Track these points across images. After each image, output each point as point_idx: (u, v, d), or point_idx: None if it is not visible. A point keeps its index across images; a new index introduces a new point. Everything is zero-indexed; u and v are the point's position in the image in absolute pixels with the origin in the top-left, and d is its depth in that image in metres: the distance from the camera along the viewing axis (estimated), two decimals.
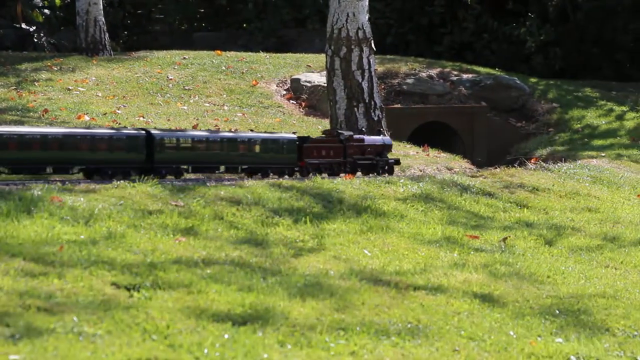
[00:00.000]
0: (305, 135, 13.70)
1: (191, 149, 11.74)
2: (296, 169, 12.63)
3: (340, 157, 13.23)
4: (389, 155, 13.79)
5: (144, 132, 11.48)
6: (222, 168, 12.17)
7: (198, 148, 11.82)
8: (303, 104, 22.75)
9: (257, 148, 12.30)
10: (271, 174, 12.31)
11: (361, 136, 13.79)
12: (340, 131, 14.02)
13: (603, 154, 19.29)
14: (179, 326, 6.39)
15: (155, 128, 12.46)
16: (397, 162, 14.04)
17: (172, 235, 8.52)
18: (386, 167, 13.63)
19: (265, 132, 14.51)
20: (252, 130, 14.76)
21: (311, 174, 12.49)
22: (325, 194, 10.81)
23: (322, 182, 11.43)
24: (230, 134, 12.65)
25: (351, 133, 13.80)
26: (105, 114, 17.98)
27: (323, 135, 13.77)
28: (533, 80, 27.71)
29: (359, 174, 13.15)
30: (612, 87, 28.71)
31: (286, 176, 12.36)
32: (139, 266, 7.44)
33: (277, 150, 12.47)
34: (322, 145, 13.19)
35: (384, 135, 14.97)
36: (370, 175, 13.10)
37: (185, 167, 11.78)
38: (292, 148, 12.57)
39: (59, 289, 6.71)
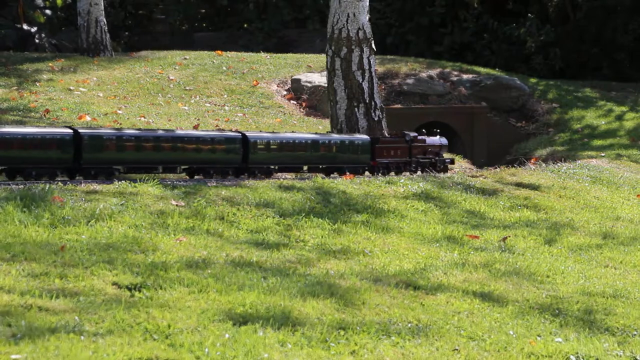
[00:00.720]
0: (376, 137, 14.48)
1: (279, 150, 12.57)
2: (367, 167, 13.62)
3: (406, 156, 14.41)
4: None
5: (240, 134, 12.27)
6: (305, 168, 13.11)
7: (285, 149, 12.66)
8: (303, 104, 22.77)
9: (335, 149, 13.20)
10: (347, 172, 13.03)
11: (423, 137, 14.88)
12: (406, 132, 14.93)
13: (603, 154, 19.31)
14: (180, 326, 6.41)
15: (247, 130, 13.31)
16: (452, 161, 15.30)
17: (173, 235, 8.54)
18: (442, 166, 14.81)
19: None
20: (329, 132, 15.62)
21: (381, 172, 13.52)
22: (326, 194, 10.83)
23: (323, 181, 11.45)
24: (313, 136, 13.48)
25: (415, 134, 14.85)
26: (106, 114, 18.00)
27: (388, 137, 14.90)
28: (533, 80, 27.72)
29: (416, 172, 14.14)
30: (611, 88, 28.71)
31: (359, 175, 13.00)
32: (140, 266, 7.46)
33: (353, 150, 13.39)
34: (391, 146, 14.34)
35: (441, 136, 15.71)
36: (431, 172, 13.86)
37: (273, 167, 12.62)
38: (367, 149, 13.51)
39: (61, 288, 6.73)
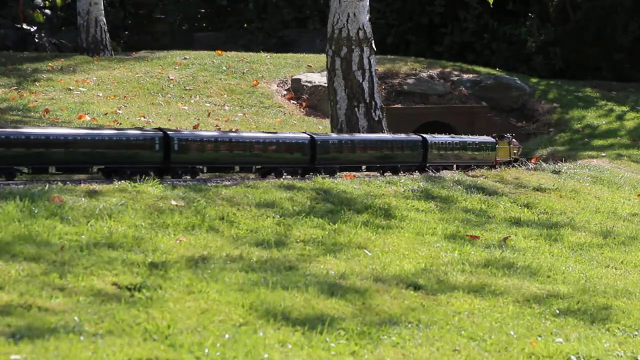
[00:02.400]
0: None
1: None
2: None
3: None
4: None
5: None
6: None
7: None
8: (304, 104, 22.77)
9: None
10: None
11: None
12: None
13: (603, 154, 19.31)
14: (180, 326, 6.40)
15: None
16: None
17: (173, 235, 8.52)
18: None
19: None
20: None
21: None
22: (326, 193, 10.82)
23: (323, 181, 11.44)
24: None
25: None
26: (106, 114, 18.00)
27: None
28: (533, 80, 27.73)
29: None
30: (612, 87, 28.72)
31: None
32: (140, 266, 7.45)
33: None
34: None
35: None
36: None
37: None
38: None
39: (60, 288, 6.72)
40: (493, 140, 15.98)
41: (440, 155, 14.67)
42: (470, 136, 15.89)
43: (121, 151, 11.00)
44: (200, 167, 11.87)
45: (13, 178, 10.46)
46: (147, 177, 10.70)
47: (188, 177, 11.63)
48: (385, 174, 13.52)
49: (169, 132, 11.46)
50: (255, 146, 12.26)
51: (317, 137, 13.06)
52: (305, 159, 12.81)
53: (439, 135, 15.02)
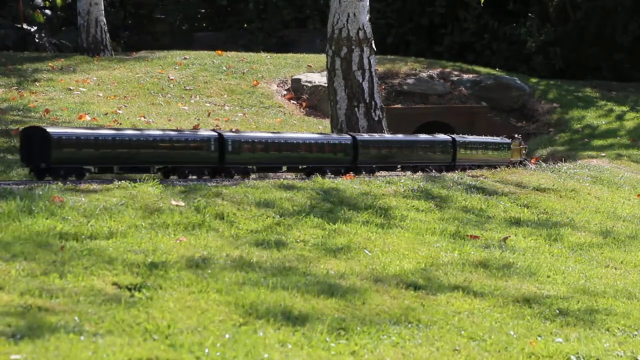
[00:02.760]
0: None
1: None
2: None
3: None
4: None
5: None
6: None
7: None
8: (304, 104, 22.77)
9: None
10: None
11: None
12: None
13: (603, 154, 19.31)
14: (180, 326, 6.40)
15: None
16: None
17: (173, 235, 8.53)
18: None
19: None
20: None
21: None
22: (326, 193, 10.82)
23: (323, 181, 11.44)
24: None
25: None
26: (106, 114, 18.00)
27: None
28: (533, 80, 27.72)
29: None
30: (612, 87, 28.72)
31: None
32: (140, 266, 7.45)
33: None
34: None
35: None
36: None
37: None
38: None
39: (61, 288, 6.72)
40: (508, 140, 16.85)
41: (467, 155, 15.42)
42: (490, 137, 16.74)
43: (181, 152, 11.46)
44: (251, 167, 12.38)
45: (82, 178, 10.74)
46: (203, 177, 11.48)
47: (238, 177, 12.08)
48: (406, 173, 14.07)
49: (224, 134, 11.96)
50: (302, 147, 12.80)
51: (359, 137, 13.68)
52: (348, 159, 13.41)
53: (466, 137, 15.82)
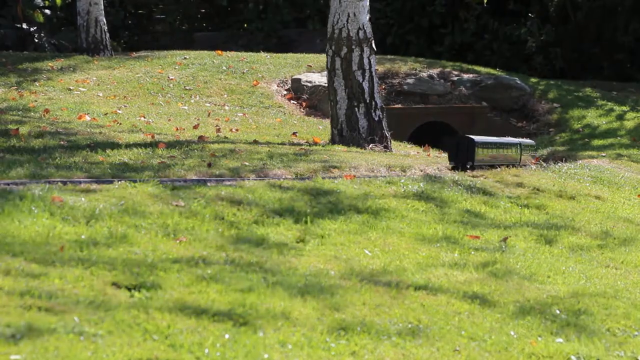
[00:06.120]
0: None
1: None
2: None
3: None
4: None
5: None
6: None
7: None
8: (304, 104, 22.76)
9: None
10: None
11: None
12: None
13: (603, 154, 19.29)
14: (180, 326, 6.40)
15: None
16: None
17: (173, 235, 8.52)
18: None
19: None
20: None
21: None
22: (326, 193, 10.81)
23: (323, 182, 11.43)
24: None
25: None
26: (106, 114, 17.98)
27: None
28: (534, 80, 27.71)
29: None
30: (612, 87, 28.70)
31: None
32: (140, 266, 7.44)
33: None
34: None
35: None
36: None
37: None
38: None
39: (60, 289, 6.71)
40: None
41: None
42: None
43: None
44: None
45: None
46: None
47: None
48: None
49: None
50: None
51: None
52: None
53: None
